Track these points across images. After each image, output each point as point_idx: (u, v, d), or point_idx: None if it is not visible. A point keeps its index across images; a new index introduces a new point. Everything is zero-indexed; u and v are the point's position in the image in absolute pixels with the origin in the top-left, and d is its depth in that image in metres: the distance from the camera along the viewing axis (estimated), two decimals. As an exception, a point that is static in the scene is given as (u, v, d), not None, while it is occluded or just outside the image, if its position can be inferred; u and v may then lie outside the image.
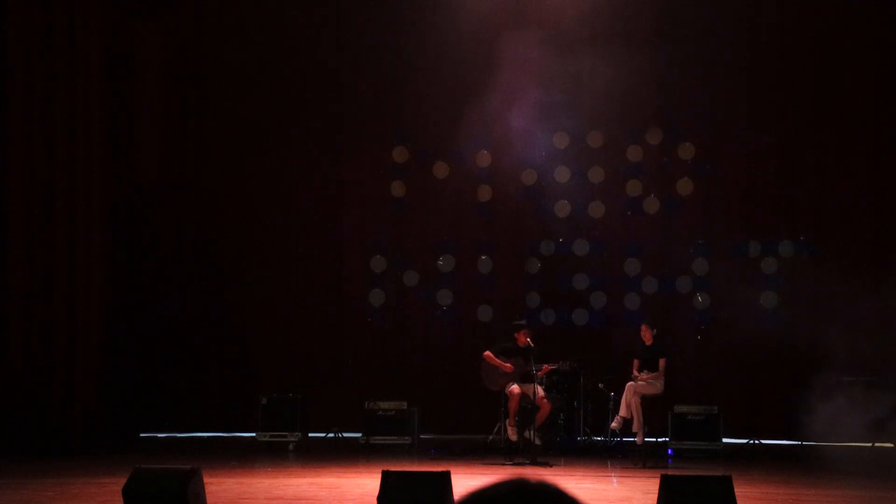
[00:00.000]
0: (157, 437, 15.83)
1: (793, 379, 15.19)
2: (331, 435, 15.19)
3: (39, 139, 14.11)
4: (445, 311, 15.93)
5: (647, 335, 13.69)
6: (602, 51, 14.82)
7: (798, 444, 14.59)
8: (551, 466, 12.56)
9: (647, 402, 13.39)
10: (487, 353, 13.63)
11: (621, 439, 13.87)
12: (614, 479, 11.35)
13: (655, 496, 8.08)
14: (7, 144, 13.89)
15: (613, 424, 13.50)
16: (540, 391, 13.20)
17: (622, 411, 13.36)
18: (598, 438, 14.23)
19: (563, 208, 15.78)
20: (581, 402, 14.31)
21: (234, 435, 15.84)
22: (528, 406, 13.19)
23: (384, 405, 14.48)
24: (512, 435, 13.37)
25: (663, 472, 8.97)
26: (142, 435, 15.70)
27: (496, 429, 14.07)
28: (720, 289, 15.56)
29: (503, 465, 12.71)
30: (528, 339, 13.39)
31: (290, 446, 14.45)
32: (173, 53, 16.30)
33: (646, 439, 13.34)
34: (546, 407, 13.26)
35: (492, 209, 15.91)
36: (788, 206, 15.58)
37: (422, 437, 14.75)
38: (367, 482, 10.21)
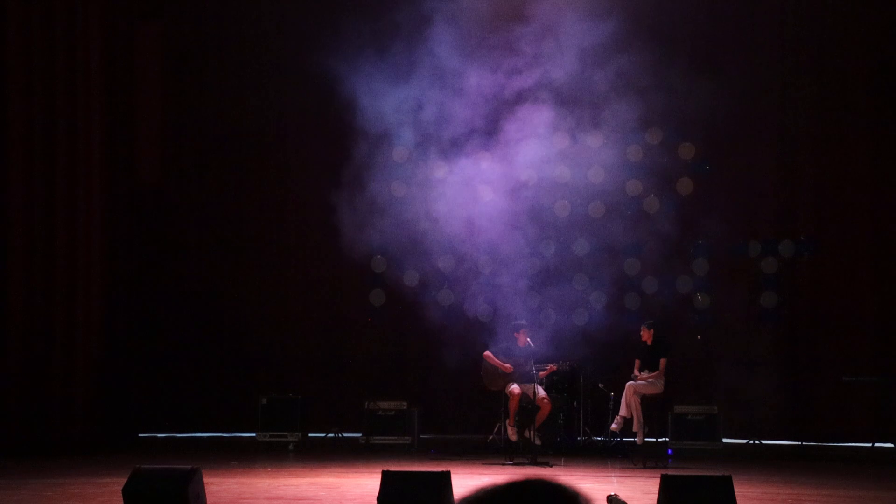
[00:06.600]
0: (157, 437, 15.83)
1: (793, 379, 15.21)
2: (331, 435, 15.20)
3: (39, 139, 14.11)
4: (445, 311, 15.93)
5: (647, 335, 13.69)
6: (602, 50, 14.81)
7: (798, 444, 14.59)
8: (551, 466, 12.56)
9: (647, 402, 13.38)
10: (487, 353, 13.63)
11: (621, 439, 13.87)
12: (614, 479, 11.35)
13: (655, 496, 8.08)
14: (7, 144, 13.88)
15: (613, 426, 13.49)
16: (540, 391, 13.19)
17: (622, 411, 13.35)
18: (598, 438, 14.23)
19: (563, 208, 15.80)
20: (581, 402, 14.32)
21: (234, 435, 15.85)
22: (528, 406, 13.19)
23: (384, 405, 14.49)
24: (512, 435, 13.37)
25: (663, 472, 8.97)
26: (142, 435, 15.71)
27: (496, 429, 14.07)
28: (720, 289, 15.58)
29: (503, 465, 12.70)
30: (528, 339, 13.40)
31: (290, 446, 14.45)
32: (173, 53, 16.31)
33: (646, 439, 13.34)
34: (546, 407, 13.25)
35: (492, 209, 15.90)
36: (788, 206, 15.58)
37: (422, 437, 14.76)
38: (367, 482, 10.21)
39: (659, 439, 13.70)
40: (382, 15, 15.81)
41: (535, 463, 12.66)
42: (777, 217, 15.64)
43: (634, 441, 13.40)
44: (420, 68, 15.59)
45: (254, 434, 14.83)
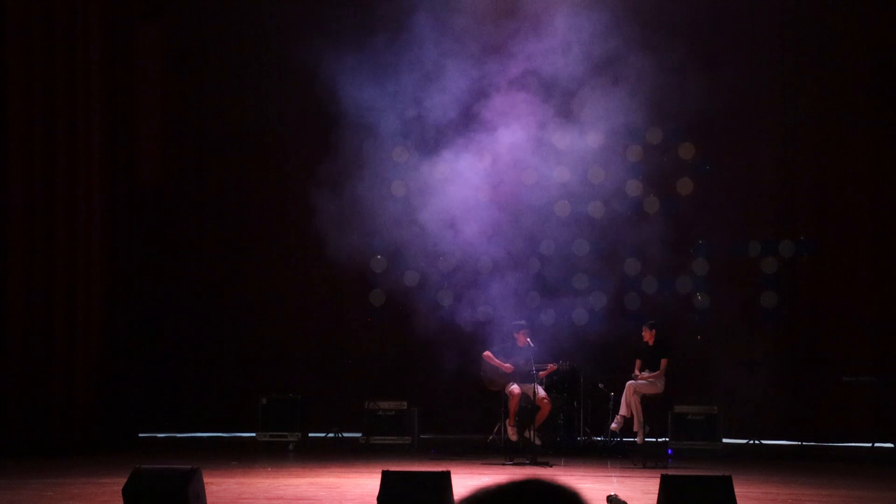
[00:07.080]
0: (157, 437, 15.83)
1: (793, 379, 15.21)
2: (331, 435, 15.20)
3: (39, 139, 14.10)
4: (445, 311, 15.93)
5: (649, 336, 13.68)
6: (602, 50, 14.80)
7: (798, 444, 14.59)
8: (551, 466, 12.56)
9: (647, 402, 13.38)
10: (487, 353, 13.63)
11: (621, 439, 13.87)
12: (614, 479, 11.35)
13: (655, 496, 8.08)
14: (7, 144, 13.88)
15: (613, 426, 13.49)
16: (540, 391, 13.19)
17: (622, 410, 13.35)
18: (598, 438, 14.23)
19: (563, 208, 15.80)
20: (581, 402, 14.31)
21: (234, 435, 15.85)
22: (528, 406, 13.19)
23: (384, 405, 14.49)
24: (512, 435, 13.36)
25: (663, 472, 8.97)
26: (142, 435, 15.70)
27: (496, 429, 14.07)
28: (720, 289, 15.58)
29: (503, 465, 12.70)
30: (528, 340, 13.39)
31: (290, 446, 14.45)
32: (173, 53, 16.31)
33: (646, 439, 13.34)
34: (546, 407, 13.25)
35: (492, 209, 15.89)
36: (788, 206, 15.58)
37: (422, 437, 14.75)
38: (367, 482, 10.21)
39: (659, 439, 13.70)
40: (384, 14, 15.80)
41: (535, 463, 12.66)
42: (777, 217, 15.63)
43: (634, 441, 13.40)
44: (420, 69, 15.60)
45: (254, 434, 14.84)
